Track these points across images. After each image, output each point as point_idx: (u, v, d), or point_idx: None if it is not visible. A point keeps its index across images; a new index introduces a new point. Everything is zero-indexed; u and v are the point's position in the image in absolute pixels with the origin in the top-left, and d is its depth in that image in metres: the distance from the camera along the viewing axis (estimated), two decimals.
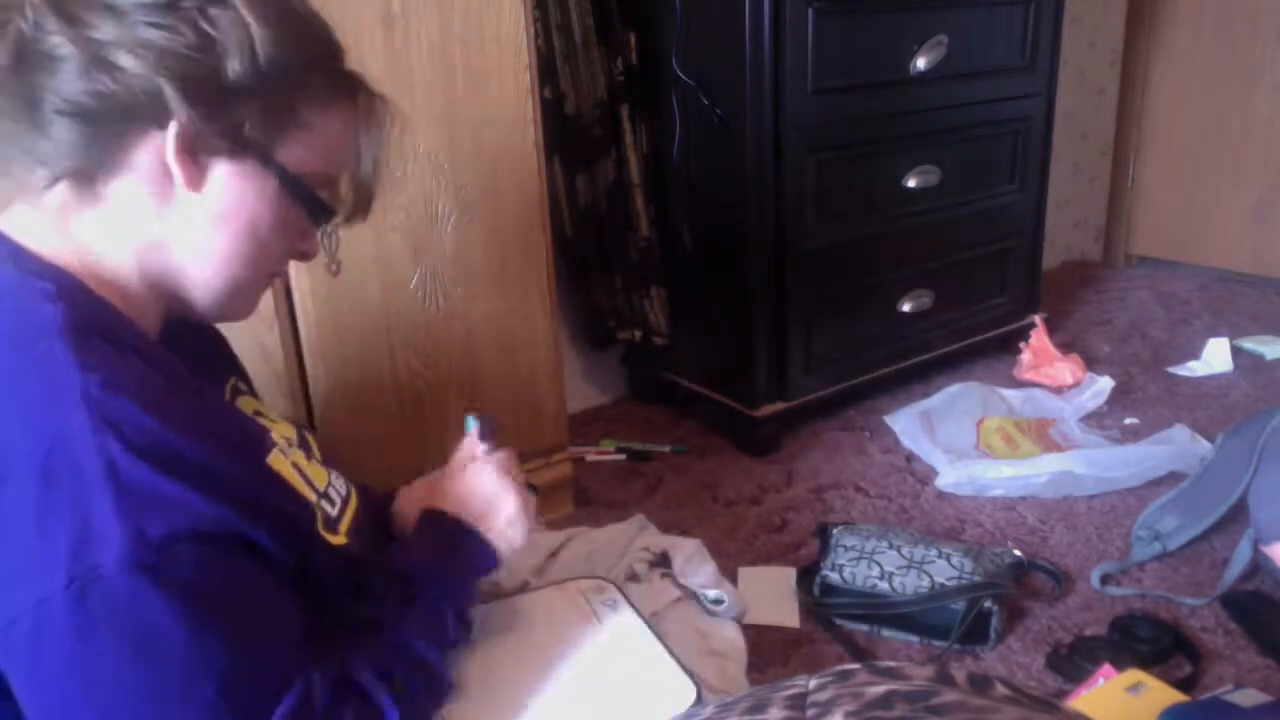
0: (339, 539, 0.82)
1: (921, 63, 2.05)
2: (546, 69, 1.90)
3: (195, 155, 0.71)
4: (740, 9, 1.81)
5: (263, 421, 0.87)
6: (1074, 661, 1.39)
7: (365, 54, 1.40)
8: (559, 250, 1.97)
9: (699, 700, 0.91)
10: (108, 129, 0.70)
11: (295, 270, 1.44)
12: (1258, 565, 1.56)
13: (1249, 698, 1.27)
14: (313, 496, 0.81)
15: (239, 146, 0.72)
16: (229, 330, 0.99)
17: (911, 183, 2.14)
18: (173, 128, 0.69)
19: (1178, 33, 3.10)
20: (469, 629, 0.90)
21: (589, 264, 2.14)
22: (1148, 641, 1.42)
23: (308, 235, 0.82)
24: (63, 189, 0.72)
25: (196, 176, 0.72)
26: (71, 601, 0.61)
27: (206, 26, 0.68)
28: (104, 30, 0.67)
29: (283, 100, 0.73)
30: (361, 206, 0.84)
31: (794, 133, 1.91)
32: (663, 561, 1.18)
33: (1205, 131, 3.10)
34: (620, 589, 1.05)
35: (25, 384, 0.66)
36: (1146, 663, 1.37)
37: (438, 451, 1.60)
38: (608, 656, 0.96)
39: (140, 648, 0.63)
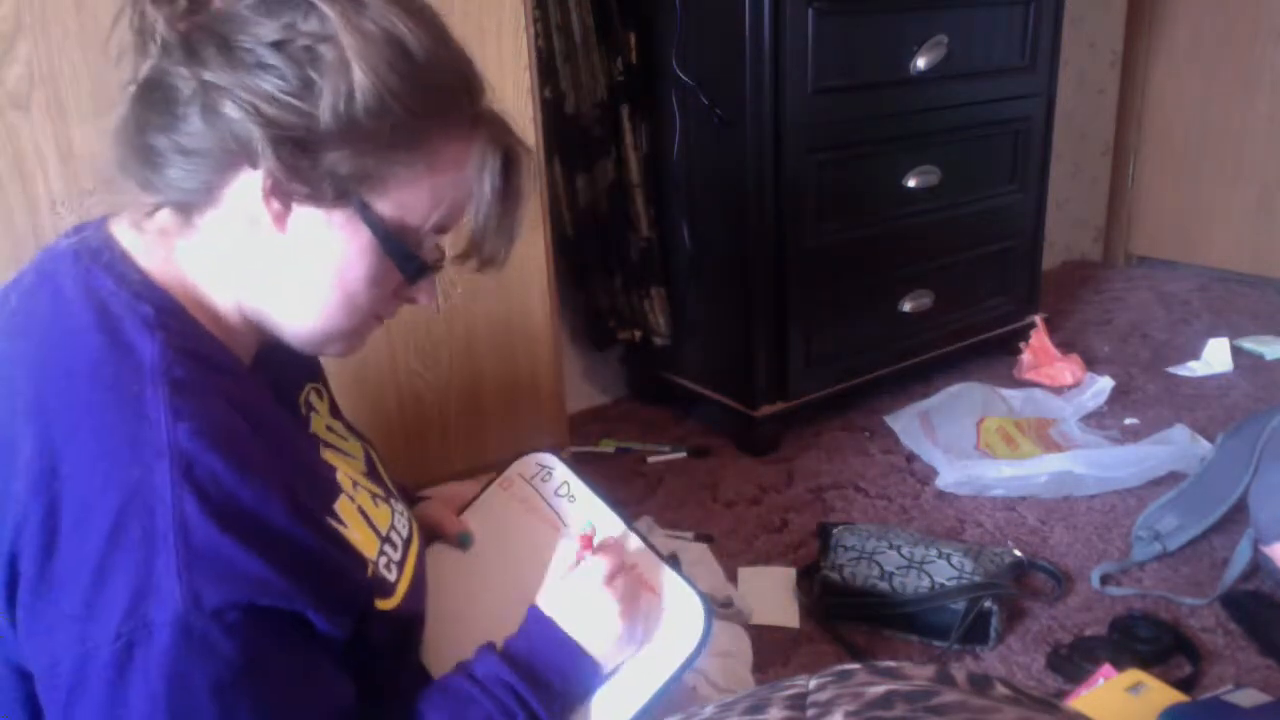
0: (393, 600, 0.79)
1: (921, 63, 2.05)
2: (546, 69, 1.90)
3: (285, 198, 0.70)
4: (740, 9, 1.81)
5: (331, 448, 0.85)
6: (1074, 661, 1.39)
7: None
8: (559, 250, 1.97)
9: (709, 617, 0.90)
10: (205, 166, 0.69)
11: None
12: (1258, 565, 1.56)
13: (1249, 698, 1.27)
14: (374, 550, 0.79)
15: (328, 194, 0.70)
16: None
17: (911, 183, 2.14)
18: (261, 171, 0.68)
19: (1178, 33, 3.10)
20: None
21: (589, 264, 2.14)
22: (1148, 641, 1.42)
23: (409, 284, 0.78)
24: (165, 215, 0.72)
25: (283, 219, 0.70)
26: (115, 655, 0.61)
27: (310, 70, 0.66)
28: (215, 71, 0.66)
29: (382, 148, 0.69)
30: (480, 257, 0.79)
31: (794, 133, 1.91)
32: (671, 564, 1.18)
33: (1205, 131, 3.10)
34: (564, 460, 1.04)
35: (113, 430, 0.65)
36: (1146, 663, 1.37)
37: (438, 451, 1.62)
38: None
39: (170, 712, 0.62)
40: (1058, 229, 3.24)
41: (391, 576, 0.80)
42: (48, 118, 1.18)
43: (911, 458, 2.05)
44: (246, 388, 0.73)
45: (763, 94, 1.86)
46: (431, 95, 0.71)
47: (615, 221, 2.09)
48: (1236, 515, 1.64)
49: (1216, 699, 1.28)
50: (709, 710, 0.38)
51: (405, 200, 0.72)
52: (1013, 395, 2.24)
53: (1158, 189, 3.27)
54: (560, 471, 1.04)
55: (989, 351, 2.50)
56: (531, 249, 1.63)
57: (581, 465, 1.04)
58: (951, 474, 1.90)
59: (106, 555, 0.62)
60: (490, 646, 0.84)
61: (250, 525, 0.64)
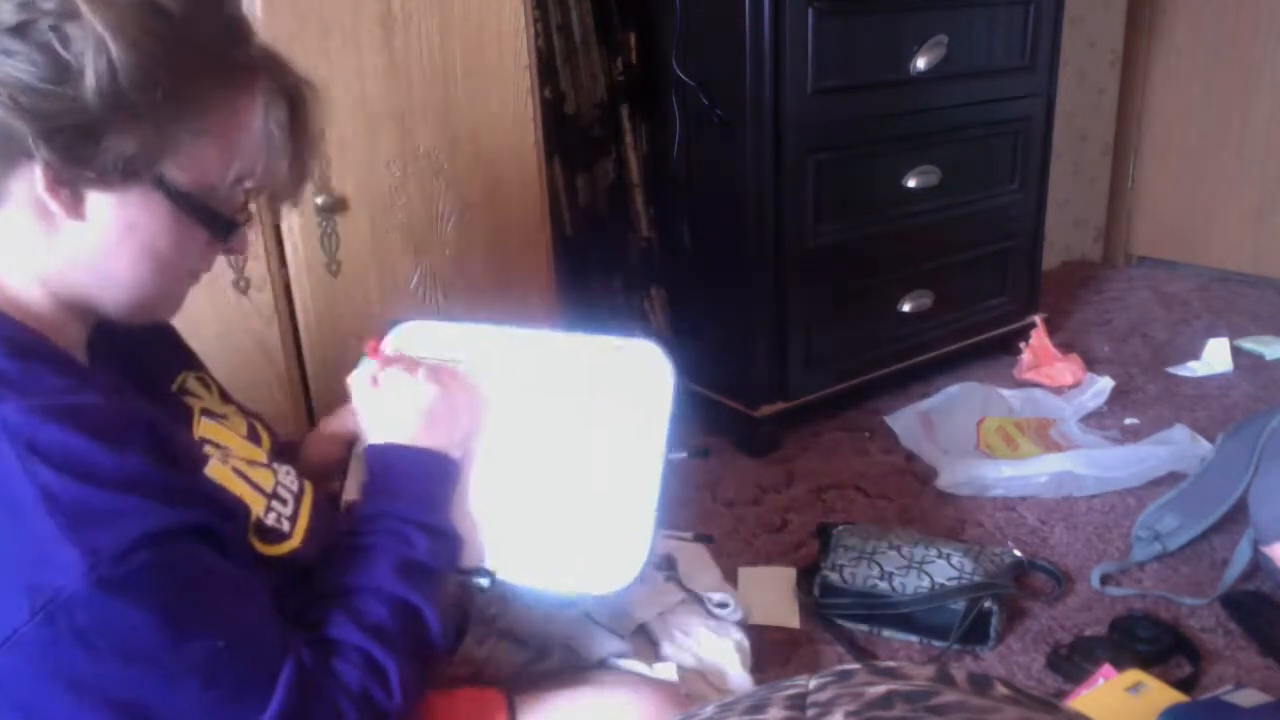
0: (291, 543, 0.80)
1: (921, 63, 2.05)
2: (546, 69, 1.90)
3: (71, 186, 0.67)
4: (740, 9, 1.81)
5: (211, 421, 0.85)
6: (1074, 661, 1.39)
7: (365, 53, 1.40)
8: (559, 250, 1.97)
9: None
10: None
11: (295, 270, 1.44)
12: (1258, 565, 1.56)
13: (1249, 698, 1.27)
14: (259, 501, 0.79)
15: (115, 172, 0.67)
16: (226, 327, 0.98)
17: (911, 183, 2.14)
18: (38, 164, 0.65)
19: (1178, 32, 3.10)
20: (450, 536, 0.87)
21: (589, 264, 2.15)
22: (1148, 641, 1.42)
23: (221, 241, 0.77)
24: None
25: (76, 206, 0.68)
26: (40, 631, 0.61)
27: (60, 50, 0.62)
28: None
29: (161, 115, 0.66)
30: (285, 195, 0.80)
31: (794, 133, 1.91)
32: (668, 565, 1.18)
33: (1205, 131, 3.10)
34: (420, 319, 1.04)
35: None
36: (1146, 663, 1.37)
37: None
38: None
39: (124, 658, 0.63)
40: (1058, 229, 3.24)
41: (285, 528, 0.80)
42: None
43: (911, 458, 2.05)
44: (77, 369, 0.72)
45: (763, 94, 1.86)
46: (197, 52, 0.68)
47: (615, 221, 2.09)
48: (1236, 515, 1.63)
49: (1216, 699, 1.28)
50: (709, 710, 0.38)
51: (197, 163, 0.70)
52: (1013, 395, 2.24)
53: (1158, 189, 3.27)
54: (431, 325, 1.02)
55: (989, 351, 2.50)
56: (531, 249, 1.64)
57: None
58: (951, 474, 1.90)
59: None
60: (358, 503, 0.87)
61: (112, 473, 0.64)
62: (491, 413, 0.96)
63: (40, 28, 0.62)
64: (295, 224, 1.40)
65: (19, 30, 0.62)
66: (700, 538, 1.62)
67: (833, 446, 2.13)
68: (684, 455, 1.75)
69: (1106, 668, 1.32)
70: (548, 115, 1.84)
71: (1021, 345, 2.45)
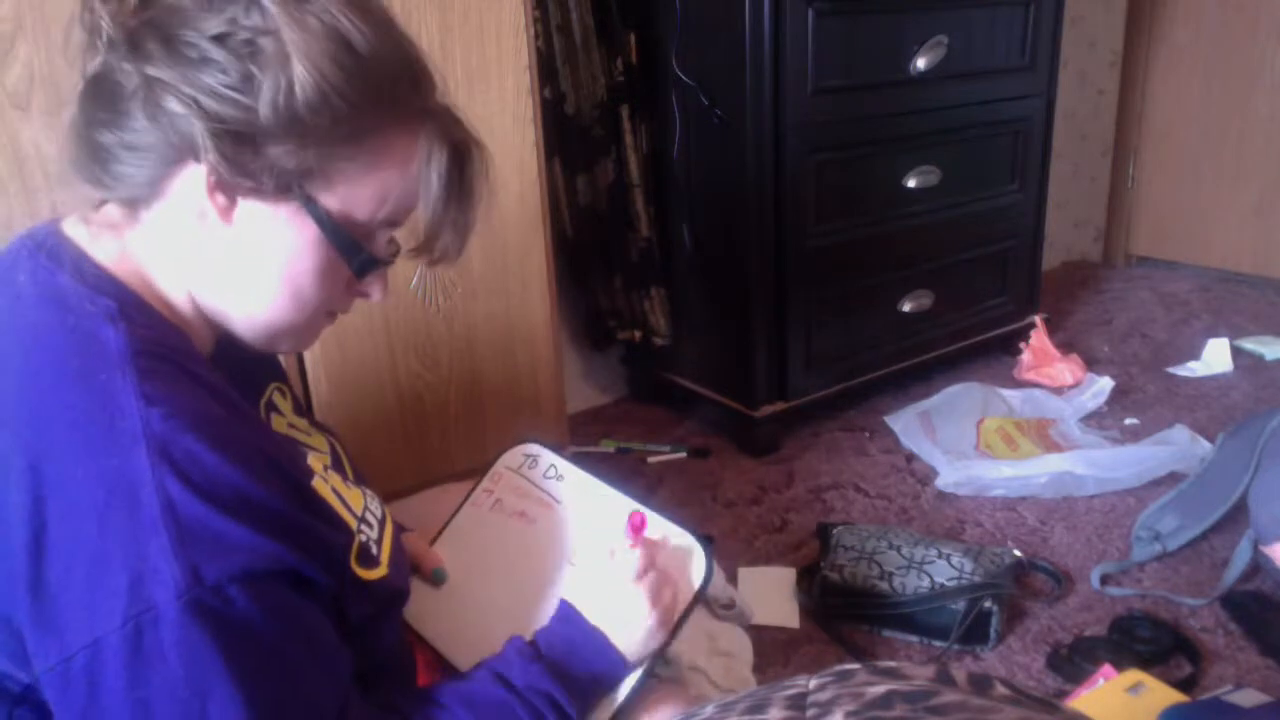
0: (378, 571, 0.80)
1: (921, 63, 2.05)
2: (546, 69, 1.90)
3: (230, 193, 0.70)
4: (740, 9, 1.81)
5: (299, 438, 0.86)
6: (1074, 661, 1.39)
7: None
8: (559, 250, 1.97)
9: (709, 555, 0.93)
10: (150, 161, 0.69)
11: None
12: (1258, 565, 1.56)
13: (1249, 698, 1.27)
14: (353, 522, 0.80)
15: (271, 188, 0.70)
16: None
17: (911, 183, 2.14)
18: (204, 165, 0.68)
19: (1178, 32, 3.10)
20: None
21: (589, 264, 2.15)
22: (1148, 641, 1.42)
23: (362, 281, 0.78)
24: (113, 208, 0.73)
25: (229, 213, 0.71)
26: (126, 641, 0.61)
27: (251, 64, 0.66)
28: (158, 66, 0.66)
29: (329, 142, 0.70)
30: (432, 254, 0.78)
31: (794, 133, 1.91)
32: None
33: (1205, 131, 3.10)
34: (549, 446, 1.07)
35: (87, 420, 0.65)
36: (1146, 663, 1.37)
37: (439, 452, 1.62)
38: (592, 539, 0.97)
39: (191, 688, 0.63)
40: (1058, 229, 3.24)
41: (374, 551, 0.81)
42: (48, 118, 1.18)
43: (911, 458, 2.05)
44: (211, 374, 0.73)
45: (763, 94, 1.86)
46: (374, 89, 0.71)
47: (615, 221, 2.09)
48: (1236, 515, 1.64)
49: (1216, 699, 1.28)
50: (709, 710, 0.38)
51: (350, 194, 0.72)
52: (1013, 395, 2.24)
53: (1158, 189, 3.27)
54: (547, 456, 1.05)
55: (989, 351, 2.50)
56: (531, 249, 1.64)
57: (582, 465, 1.04)
58: (951, 474, 1.90)
59: (98, 545, 0.62)
60: (523, 647, 0.84)
61: (234, 497, 0.65)
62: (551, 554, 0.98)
63: (238, 39, 0.66)
64: None
65: (219, 39, 0.66)
66: (700, 538, 1.61)
67: (833, 446, 2.13)
68: (684, 454, 1.77)
69: (1106, 668, 1.32)
70: (548, 115, 1.84)
71: (1021, 345, 2.45)
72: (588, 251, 2.12)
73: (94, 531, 0.62)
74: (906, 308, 2.24)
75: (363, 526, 0.81)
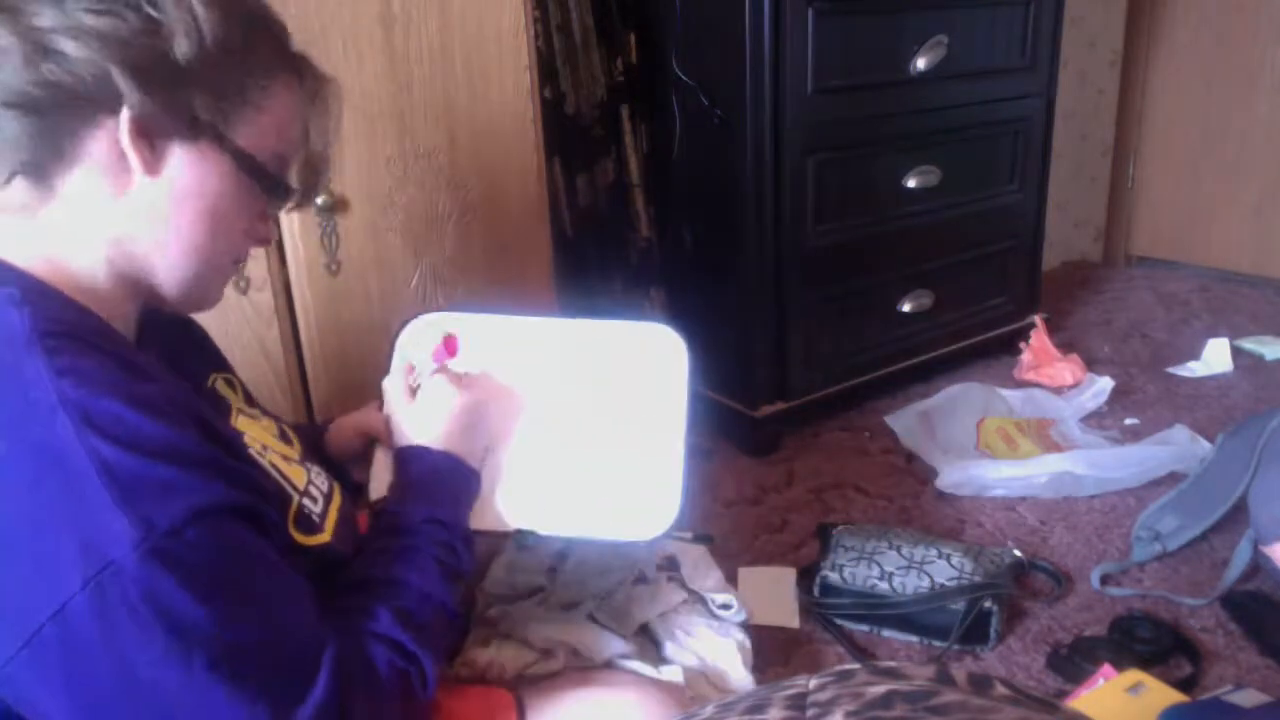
0: (322, 536, 0.82)
1: (921, 63, 2.05)
2: (546, 69, 1.91)
3: (150, 139, 0.72)
4: (740, 9, 1.81)
5: (245, 418, 0.87)
6: (1074, 661, 1.39)
7: (365, 53, 1.40)
8: (559, 250, 1.97)
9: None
10: (58, 118, 0.69)
11: (295, 270, 1.44)
12: (1258, 565, 1.56)
13: (1249, 698, 1.27)
14: (293, 493, 0.81)
15: (193, 128, 0.73)
16: (226, 327, 0.99)
17: (911, 183, 2.14)
18: (125, 112, 0.69)
19: (1178, 33, 3.10)
20: (472, 545, 0.90)
21: (589, 264, 2.15)
22: (1148, 642, 1.42)
23: (265, 216, 0.83)
24: (21, 187, 0.72)
25: (153, 161, 0.72)
26: (92, 601, 0.61)
27: (150, 9, 0.69)
28: (45, 18, 0.67)
29: (233, 80, 0.74)
30: (311, 188, 0.85)
31: (794, 133, 1.91)
32: (670, 565, 1.18)
33: (1205, 131, 3.10)
34: (452, 308, 1.08)
35: (1, 398, 0.65)
36: (1146, 663, 1.37)
37: None
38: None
39: (170, 634, 0.63)
40: (1058, 229, 3.24)
41: (315, 520, 0.83)
42: None
43: (911, 458, 2.05)
44: (131, 352, 0.73)
45: (762, 94, 1.86)
46: (263, 28, 0.77)
47: (615, 221, 2.09)
48: (1236, 515, 1.63)
49: (1216, 699, 1.28)
50: (709, 710, 0.38)
51: (253, 131, 0.76)
52: (1013, 395, 2.24)
53: (1158, 189, 3.27)
54: (453, 317, 1.05)
55: (989, 351, 2.50)
56: (531, 249, 1.64)
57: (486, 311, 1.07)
58: (951, 474, 1.90)
59: (34, 518, 0.62)
60: (393, 500, 0.90)
61: (164, 447, 0.65)
62: (522, 398, 1.01)
63: None
64: (295, 224, 1.41)
65: None
66: (700, 538, 1.62)
67: (833, 446, 2.13)
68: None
69: (1106, 668, 1.32)
70: (548, 115, 1.84)
71: (1021, 345, 2.45)
72: (588, 251, 2.12)
73: (27, 505, 0.62)
74: (906, 308, 2.24)
75: (305, 500, 0.82)
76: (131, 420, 0.65)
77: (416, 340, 1.04)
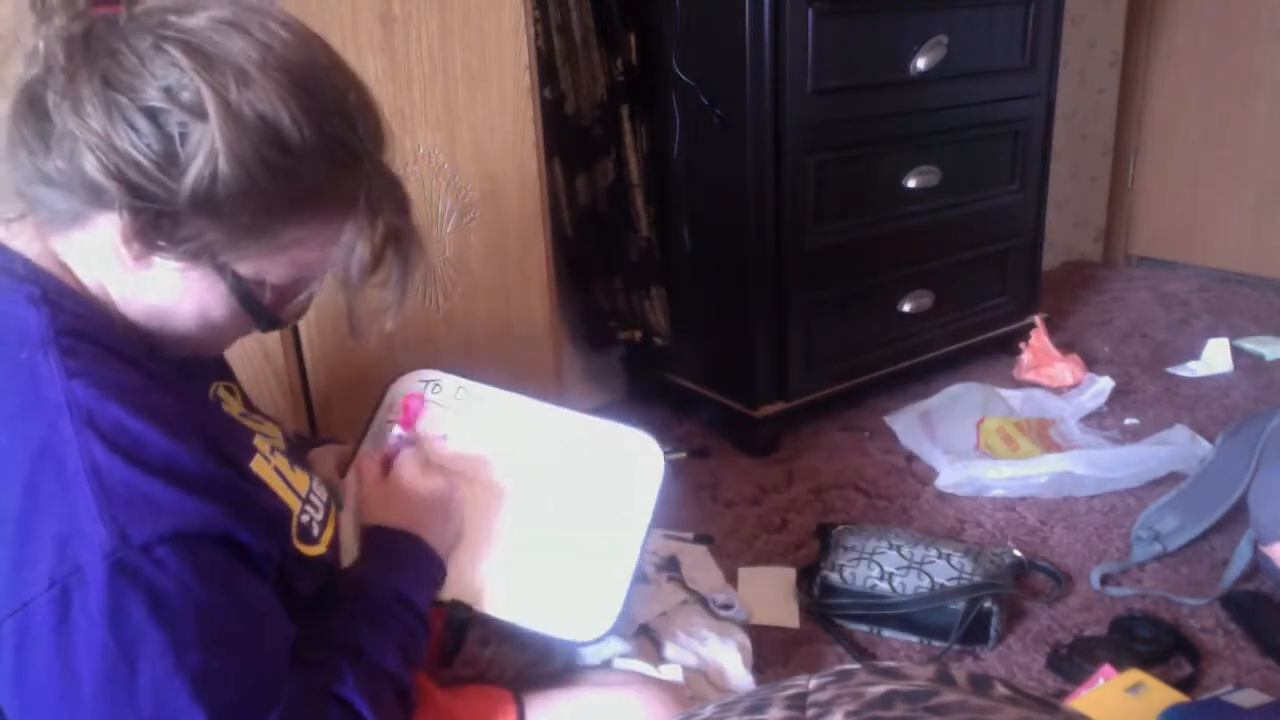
0: (318, 548, 0.82)
1: (921, 63, 2.05)
2: (546, 69, 1.90)
3: (145, 243, 0.70)
4: (740, 9, 1.81)
5: (247, 424, 0.87)
6: (1074, 661, 1.39)
7: (365, 54, 1.40)
8: (559, 250, 1.97)
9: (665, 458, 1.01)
10: (71, 198, 0.69)
11: None
12: (1258, 565, 1.56)
13: (1249, 698, 1.27)
14: (295, 503, 0.81)
15: (185, 255, 0.71)
16: None
17: (911, 183, 2.14)
18: (117, 219, 0.68)
19: (1178, 33, 3.10)
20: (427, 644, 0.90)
21: (589, 264, 2.14)
22: (1148, 642, 1.42)
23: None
24: (33, 220, 0.73)
25: (146, 260, 0.71)
26: (53, 604, 0.61)
27: (179, 145, 0.66)
28: (94, 121, 0.65)
29: (240, 229, 0.70)
30: (356, 321, 0.80)
31: (794, 133, 1.91)
32: (670, 565, 1.18)
33: (1205, 131, 3.10)
34: (449, 371, 1.07)
35: (10, 393, 0.66)
36: (1146, 663, 1.37)
37: None
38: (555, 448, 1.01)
39: (120, 651, 0.62)
40: (1058, 229, 3.24)
41: (315, 531, 0.83)
42: None
43: (911, 458, 2.05)
44: (143, 358, 0.73)
45: (763, 94, 1.86)
46: (300, 187, 0.71)
47: (615, 221, 2.09)
48: (1236, 515, 1.64)
49: (1216, 699, 1.28)
50: (709, 710, 0.38)
51: (264, 265, 0.74)
52: (1013, 395, 2.24)
53: (1158, 189, 3.27)
54: (450, 380, 1.05)
55: (989, 351, 2.50)
56: (531, 249, 1.64)
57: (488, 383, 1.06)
58: (951, 474, 1.90)
59: (25, 511, 0.63)
60: (365, 573, 0.88)
61: (161, 461, 0.65)
62: (491, 482, 1.01)
63: (171, 118, 0.66)
64: None
65: (151, 113, 0.66)
66: (700, 538, 1.62)
67: (833, 446, 2.13)
68: (684, 454, 1.77)
69: (1106, 668, 1.32)
70: (548, 115, 1.84)
71: (1021, 345, 2.45)
72: (588, 251, 2.12)
73: (19, 497, 0.63)
74: (906, 308, 2.24)
75: (307, 507, 0.82)
76: (134, 429, 0.65)
77: (409, 390, 1.05)
